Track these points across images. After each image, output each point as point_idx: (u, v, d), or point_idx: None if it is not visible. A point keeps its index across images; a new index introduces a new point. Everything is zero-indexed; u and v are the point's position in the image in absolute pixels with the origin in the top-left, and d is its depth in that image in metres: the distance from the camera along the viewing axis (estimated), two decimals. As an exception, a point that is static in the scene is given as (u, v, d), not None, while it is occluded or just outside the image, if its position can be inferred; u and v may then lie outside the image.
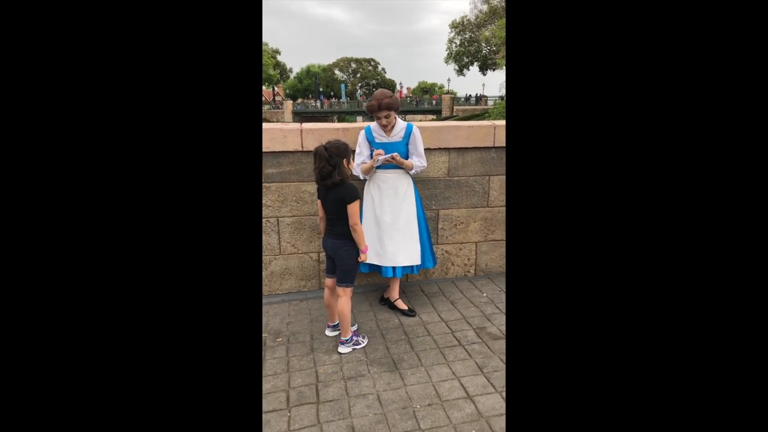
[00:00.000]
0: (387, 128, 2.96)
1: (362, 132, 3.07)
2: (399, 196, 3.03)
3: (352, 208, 2.49)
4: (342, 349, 2.66)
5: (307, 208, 3.37)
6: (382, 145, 2.99)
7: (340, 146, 2.47)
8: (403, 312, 3.14)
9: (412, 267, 3.13)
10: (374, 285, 3.60)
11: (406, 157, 3.01)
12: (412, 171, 3.04)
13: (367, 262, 3.01)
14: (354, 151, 3.04)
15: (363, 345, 2.72)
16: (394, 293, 3.20)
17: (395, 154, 2.89)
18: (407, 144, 3.02)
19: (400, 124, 3.01)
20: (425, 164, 3.07)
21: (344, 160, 2.48)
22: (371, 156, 3.00)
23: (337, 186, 2.47)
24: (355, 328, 2.86)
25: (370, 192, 3.08)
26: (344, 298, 2.63)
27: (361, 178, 3.08)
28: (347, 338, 2.67)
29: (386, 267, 3.07)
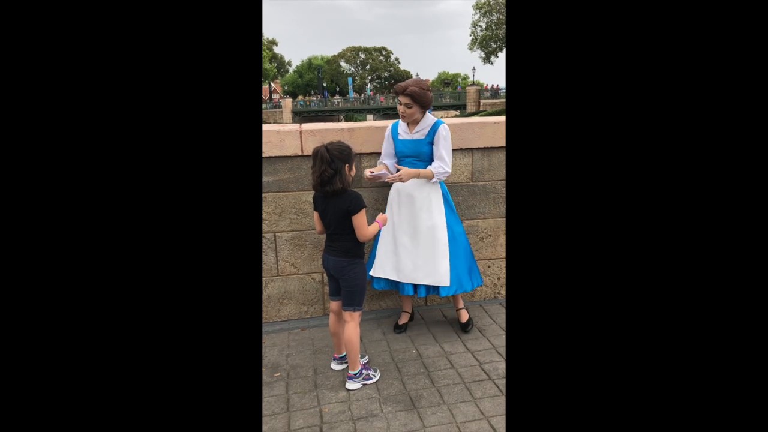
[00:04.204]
0: (404, 118, 3.06)
1: (389, 127, 3.21)
2: (416, 206, 3.09)
3: (359, 219, 2.52)
4: (350, 385, 2.68)
5: (308, 222, 3.42)
6: (403, 143, 3.10)
7: (343, 148, 2.52)
8: (396, 326, 3.33)
9: (437, 288, 3.15)
10: (388, 310, 3.62)
11: (430, 157, 3.06)
12: (434, 179, 3.06)
13: (384, 276, 3.12)
14: (361, 154, 3.14)
15: (375, 380, 2.74)
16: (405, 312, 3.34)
17: (384, 174, 2.93)
18: (430, 143, 3.07)
19: (428, 120, 3.09)
20: (449, 170, 3.06)
21: (346, 165, 2.52)
22: (395, 154, 3.15)
23: (338, 195, 2.51)
24: (365, 360, 2.88)
25: (391, 197, 3.22)
26: (351, 324, 2.65)
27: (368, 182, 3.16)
28: (356, 372, 2.69)
29: (406, 284, 3.14)
